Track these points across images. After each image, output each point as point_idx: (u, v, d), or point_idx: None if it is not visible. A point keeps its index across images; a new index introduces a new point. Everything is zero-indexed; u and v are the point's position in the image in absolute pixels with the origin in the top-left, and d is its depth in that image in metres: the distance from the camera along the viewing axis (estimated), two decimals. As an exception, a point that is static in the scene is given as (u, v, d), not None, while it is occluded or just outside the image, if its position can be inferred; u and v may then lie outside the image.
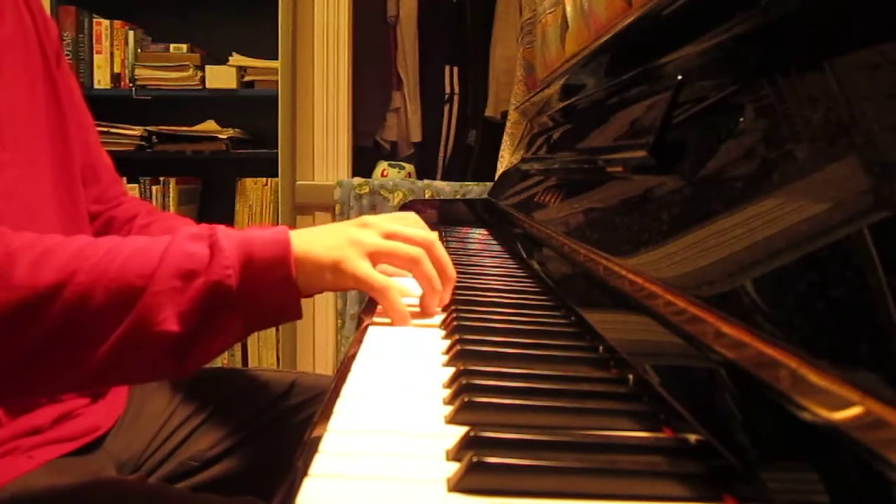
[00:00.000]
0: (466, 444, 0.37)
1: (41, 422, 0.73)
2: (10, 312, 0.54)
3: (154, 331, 0.55)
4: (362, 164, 2.42)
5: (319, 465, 0.36)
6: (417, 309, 0.69)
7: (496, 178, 1.89)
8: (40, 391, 0.65)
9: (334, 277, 0.62)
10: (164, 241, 0.59)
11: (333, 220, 2.27)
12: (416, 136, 2.52)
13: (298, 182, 2.32)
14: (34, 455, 0.71)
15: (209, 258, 0.58)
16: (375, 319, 0.68)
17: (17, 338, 0.54)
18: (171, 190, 2.51)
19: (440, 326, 0.66)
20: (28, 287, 0.54)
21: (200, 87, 2.46)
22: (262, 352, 2.51)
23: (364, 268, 0.63)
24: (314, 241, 0.62)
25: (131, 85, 2.47)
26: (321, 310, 2.35)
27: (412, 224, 0.91)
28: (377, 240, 0.65)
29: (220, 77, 2.45)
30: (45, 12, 0.85)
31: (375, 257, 0.64)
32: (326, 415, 0.43)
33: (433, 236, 0.70)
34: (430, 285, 0.67)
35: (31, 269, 0.55)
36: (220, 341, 0.59)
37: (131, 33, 2.49)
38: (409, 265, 0.66)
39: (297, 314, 0.62)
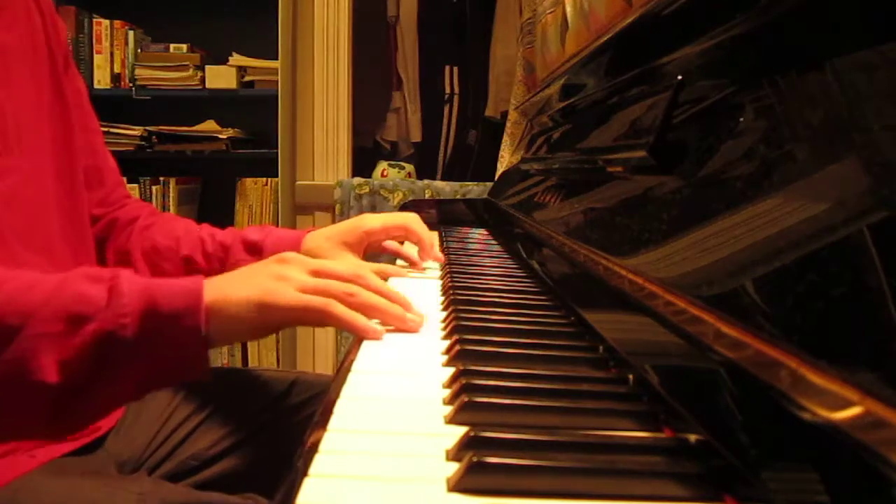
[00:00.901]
0: (466, 444, 0.37)
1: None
2: None
3: (29, 379, 0.48)
4: (362, 164, 2.42)
5: (319, 465, 0.36)
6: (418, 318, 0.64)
7: (496, 178, 1.89)
8: None
9: (260, 316, 0.55)
10: (56, 279, 0.53)
11: (333, 220, 2.27)
12: (416, 136, 2.52)
13: (298, 182, 2.32)
14: (36, 454, 0.71)
15: (105, 302, 0.51)
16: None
17: None
18: (171, 190, 2.51)
19: (441, 328, 0.66)
20: None
21: (200, 87, 2.46)
22: (262, 352, 2.51)
23: (294, 295, 0.56)
24: (231, 283, 0.56)
25: (131, 85, 2.47)
26: (321, 310, 2.34)
27: (409, 221, 0.92)
28: (304, 276, 0.58)
29: (220, 77, 2.45)
30: (55, 14, 0.85)
31: (303, 312, 0.57)
32: (326, 415, 0.43)
33: (361, 269, 0.63)
34: (381, 313, 0.60)
35: None
36: (105, 400, 0.53)
37: (131, 33, 2.49)
38: (348, 317, 0.58)
39: (204, 373, 0.55)
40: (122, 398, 0.53)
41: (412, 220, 0.95)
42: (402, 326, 0.61)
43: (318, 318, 0.57)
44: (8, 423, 0.53)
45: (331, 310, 0.57)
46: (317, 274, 0.59)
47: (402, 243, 0.98)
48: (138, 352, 0.51)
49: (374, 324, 0.60)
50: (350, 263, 0.66)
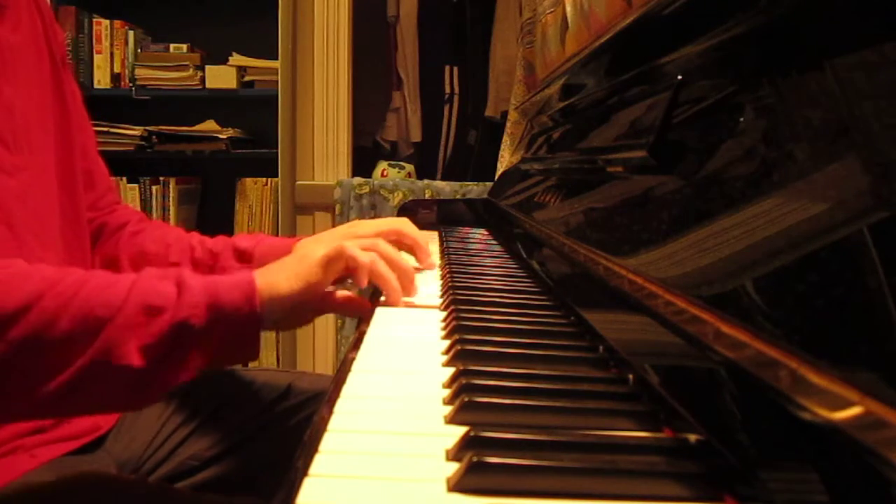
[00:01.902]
0: (466, 444, 0.37)
1: (43, 421, 0.73)
2: None
3: (116, 363, 0.55)
4: (362, 164, 2.42)
5: (319, 465, 0.36)
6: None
7: (496, 178, 1.88)
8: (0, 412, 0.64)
9: (301, 299, 0.64)
10: (131, 277, 0.60)
11: (333, 220, 2.27)
12: (416, 136, 2.52)
13: (298, 182, 2.32)
14: (36, 454, 0.71)
15: (176, 296, 0.59)
16: (378, 311, 0.68)
17: None
18: (171, 190, 2.51)
19: (441, 328, 0.66)
20: None
21: (200, 87, 2.46)
22: (262, 352, 2.51)
23: (320, 252, 0.66)
24: (277, 273, 0.65)
25: (131, 85, 2.47)
26: (321, 309, 2.34)
27: (402, 225, 0.93)
28: (327, 247, 0.68)
29: (220, 77, 2.45)
30: (54, 18, 0.85)
31: (330, 262, 0.67)
32: (326, 415, 0.43)
33: (378, 240, 0.74)
34: (384, 283, 0.70)
35: (0, 289, 0.55)
36: (178, 377, 0.59)
37: (131, 33, 2.49)
38: (361, 256, 0.68)
39: (255, 354, 0.63)
40: (189, 375, 0.60)
41: (404, 224, 0.95)
42: (396, 300, 0.72)
43: (339, 260, 0.67)
44: (95, 398, 0.59)
45: (345, 249, 0.67)
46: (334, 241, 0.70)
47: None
48: (205, 337, 0.59)
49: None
50: (371, 228, 0.77)
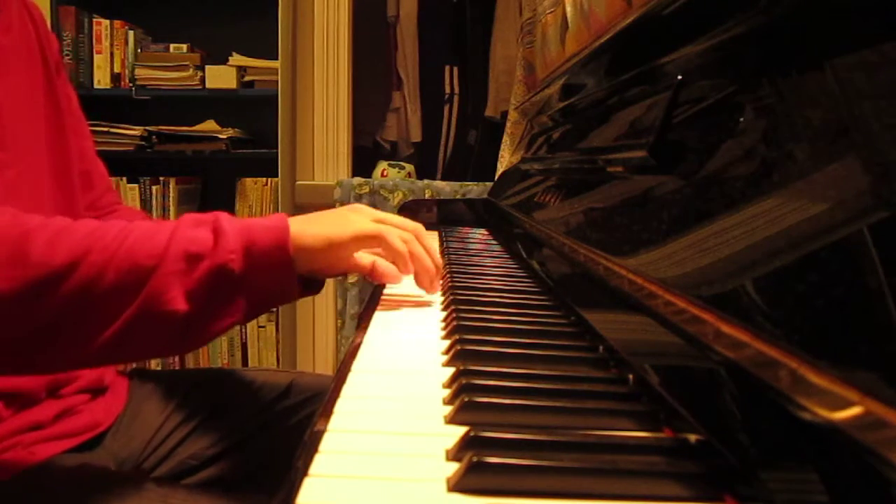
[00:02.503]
0: (466, 444, 0.37)
1: (42, 418, 0.73)
2: (27, 288, 0.55)
3: (163, 309, 0.58)
4: (362, 164, 2.42)
5: (319, 464, 0.36)
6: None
7: (496, 178, 1.88)
8: (49, 366, 0.66)
9: (330, 248, 0.66)
10: (170, 225, 0.61)
11: (333, 219, 2.27)
12: (416, 136, 2.52)
13: (298, 182, 2.32)
14: (35, 451, 0.71)
15: (213, 242, 0.60)
16: (379, 311, 0.68)
17: (32, 313, 0.56)
18: (171, 190, 2.51)
19: (441, 328, 0.66)
20: (44, 264, 0.56)
21: (200, 87, 2.46)
22: (262, 352, 2.51)
23: (355, 227, 0.67)
24: (309, 222, 0.66)
25: (131, 85, 2.47)
26: (321, 310, 2.34)
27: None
28: (368, 221, 0.70)
29: (220, 77, 2.45)
30: (48, 27, 0.87)
31: (364, 240, 0.69)
32: (326, 414, 0.43)
33: (420, 226, 0.75)
34: (422, 266, 0.73)
35: (48, 247, 0.56)
36: (223, 321, 0.61)
37: (131, 33, 2.48)
38: (399, 247, 0.70)
39: (294, 295, 0.65)
40: (233, 319, 0.62)
41: (422, 230, 0.96)
42: (428, 287, 0.75)
43: (375, 242, 0.69)
44: (145, 344, 0.61)
45: (385, 236, 0.69)
46: (379, 221, 0.71)
47: None
48: (244, 280, 0.61)
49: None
50: (409, 221, 0.76)
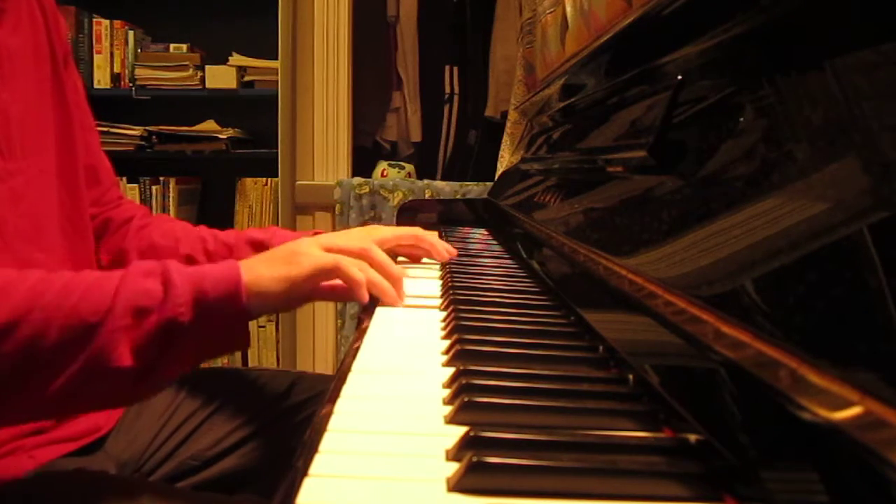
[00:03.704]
0: (466, 443, 0.37)
1: (43, 422, 0.73)
2: None
3: (109, 366, 0.56)
4: (362, 164, 2.42)
5: (319, 465, 0.36)
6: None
7: (496, 178, 1.88)
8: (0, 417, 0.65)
9: (288, 288, 0.64)
10: (116, 277, 0.60)
11: (333, 220, 2.27)
12: (416, 136, 2.52)
13: (298, 182, 2.32)
14: (36, 455, 0.71)
15: (163, 295, 0.59)
16: (379, 311, 0.68)
17: None
18: (171, 190, 2.51)
19: (441, 328, 0.66)
20: None
21: (200, 87, 2.46)
22: (262, 352, 2.51)
23: (309, 263, 0.66)
24: (260, 265, 0.65)
25: (131, 85, 2.47)
26: (321, 310, 2.34)
27: (419, 232, 0.94)
28: (318, 251, 0.68)
29: (220, 77, 2.45)
30: (57, 11, 0.85)
31: (320, 274, 0.67)
32: (326, 414, 0.43)
33: (367, 243, 0.74)
34: (380, 290, 0.71)
35: None
36: (171, 371, 0.61)
37: (131, 33, 2.49)
38: (357, 276, 0.68)
39: (246, 343, 0.64)
40: (182, 369, 0.61)
41: (421, 231, 0.96)
42: (392, 302, 0.72)
43: (332, 275, 0.67)
44: (93, 399, 0.61)
45: (341, 265, 0.67)
46: (328, 250, 0.70)
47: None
48: (194, 332, 0.59)
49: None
50: (357, 238, 0.75)
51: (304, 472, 0.35)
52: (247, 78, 2.47)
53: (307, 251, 0.68)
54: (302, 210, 2.35)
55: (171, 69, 2.46)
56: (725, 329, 0.37)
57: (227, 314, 0.61)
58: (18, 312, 0.55)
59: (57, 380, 0.56)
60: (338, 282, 0.68)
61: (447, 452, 0.38)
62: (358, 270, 0.68)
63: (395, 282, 0.73)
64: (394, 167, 2.40)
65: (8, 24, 0.75)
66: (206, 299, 0.60)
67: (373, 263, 0.71)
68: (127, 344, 0.57)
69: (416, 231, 0.95)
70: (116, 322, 0.57)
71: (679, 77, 0.62)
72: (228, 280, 0.61)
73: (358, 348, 0.57)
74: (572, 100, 1.12)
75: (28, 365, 0.56)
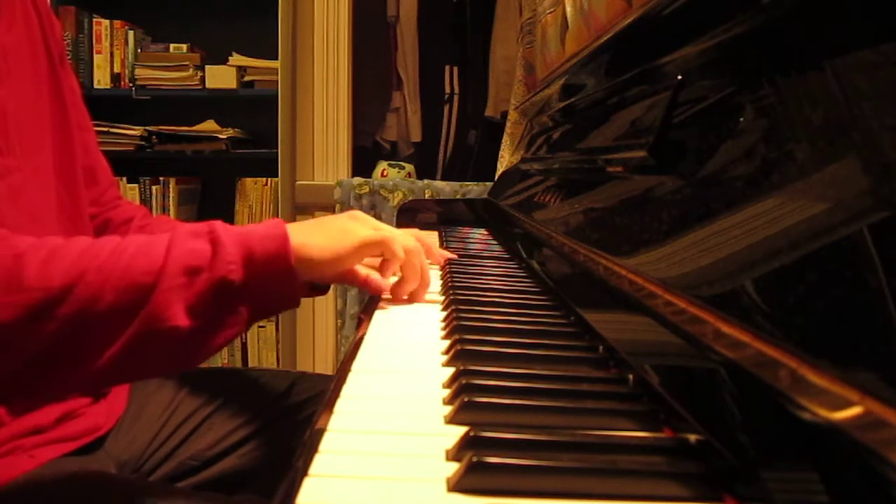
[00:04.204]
0: (466, 443, 0.37)
1: (43, 421, 0.73)
2: (24, 314, 0.54)
3: (165, 326, 0.56)
4: (362, 164, 2.42)
5: (319, 464, 0.36)
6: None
7: (496, 178, 1.88)
8: (49, 392, 0.65)
9: (332, 259, 0.66)
10: (165, 239, 0.60)
11: (333, 220, 2.27)
12: (416, 136, 2.52)
13: (298, 182, 2.32)
14: (35, 454, 0.71)
15: (212, 254, 0.59)
16: (378, 311, 0.68)
17: (28, 339, 0.54)
18: (170, 190, 2.51)
19: (441, 328, 0.66)
20: (39, 289, 0.54)
21: (200, 87, 2.46)
22: (262, 352, 2.51)
23: (357, 238, 0.68)
24: (310, 231, 0.66)
25: (131, 85, 2.47)
26: (321, 310, 2.34)
27: (420, 234, 0.95)
28: (370, 231, 0.70)
29: (220, 77, 2.45)
30: (51, 12, 0.85)
31: (368, 247, 0.69)
32: (326, 414, 0.43)
33: (413, 241, 0.75)
34: (412, 272, 0.74)
35: (41, 270, 0.55)
36: (225, 333, 0.60)
37: (131, 33, 2.49)
38: (399, 253, 0.72)
39: (297, 302, 0.64)
40: (236, 330, 0.61)
41: (421, 234, 0.96)
42: (412, 298, 0.76)
43: (378, 249, 0.70)
44: (147, 363, 0.60)
45: (389, 242, 0.70)
46: (378, 230, 0.72)
47: None
48: (245, 290, 0.60)
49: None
50: (408, 235, 0.76)
51: (304, 472, 0.35)
52: (247, 78, 2.47)
53: (357, 226, 0.70)
54: (302, 210, 2.35)
55: (171, 69, 2.46)
56: (725, 329, 0.37)
57: (276, 272, 0.61)
58: (73, 275, 0.55)
59: (115, 343, 0.55)
60: (370, 272, 0.72)
61: (447, 452, 0.38)
62: (402, 250, 0.71)
63: (424, 281, 0.76)
64: (394, 167, 2.40)
65: (3, 22, 0.75)
66: (254, 256, 0.60)
67: (427, 253, 0.76)
68: (181, 303, 0.57)
69: (419, 234, 0.96)
70: (170, 281, 0.57)
71: (679, 77, 0.62)
72: (275, 238, 0.61)
73: (358, 348, 0.57)
74: (572, 100, 1.12)
75: (86, 328, 0.55)
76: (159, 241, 0.60)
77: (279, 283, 0.62)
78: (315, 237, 0.65)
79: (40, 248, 0.57)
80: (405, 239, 0.73)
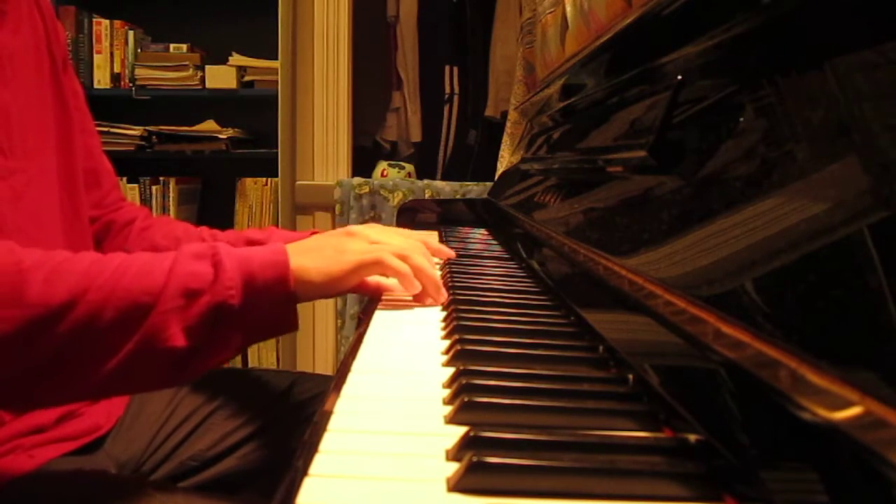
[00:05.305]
0: (466, 443, 0.37)
1: (43, 421, 0.73)
2: (23, 328, 0.54)
3: (161, 346, 0.57)
4: (362, 164, 2.42)
5: (319, 464, 0.36)
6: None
7: (496, 178, 1.88)
8: (46, 402, 0.67)
9: (330, 281, 0.66)
10: (168, 259, 0.61)
11: (333, 220, 2.27)
12: (416, 136, 2.52)
13: (298, 182, 2.32)
14: (35, 454, 0.71)
15: (213, 278, 0.60)
16: (378, 311, 0.68)
17: (29, 353, 0.55)
18: (170, 190, 2.51)
19: (441, 328, 0.66)
20: (41, 305, 0.55)
21: (200, 87, 2.46)
22: (262, 352, 2.51)
23: (354, 258, 0.68)
24: (308, 253, 0.66)
25: (131, 85, 2.47)
26: (321, 310, 2.34)
27: (424, 237, 0.95)
28: (366, 249, 0.70)
29: (220, 77, 2.45)
30: (55, 17, 0.85)
31: (364, 268, 0.69)
32: (326, 415, 0.43)
33: (413, 245, 0.75)
34: (426, 276, 0.73)
35: (45, 285, 0.56)
36: (221, 354, 0.61)
37: (131, 33, 2.48)
38: (400, 267, 0.70)
39: (295, 326, 0.65)
40: (232, 352, 0.62)
41: (426, 236, 0.97)
42: (436, 298, 0.74)
43: (375, 269, 0.70)
44: (142, 378, 0.61)
45: (384, 260, 0.69)
46: (377, 242, 0.72)
47: None
48: (243, 315, 0.61)
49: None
50: (403, 240, 0.76)
51: (304, 472, 0.35)
52: (247, 78, 2.47)
53: (354, 245, 0.70)
54: (302, 210, 2.35)
55: (171, 69, 2.46)
56: (725, 329, 0.37)
57: (275, 298, 0.62)
58: (75, 292, 0.56)
59: (111, 359, 0.57)
60: (379, 279, 0.72)
61: (447, 452, 0.38)
62: (400, 262, 0.70)
63: (433, 283, 0.75)
64: (394, 167, 2.40)
65: (8, 25, 0.75)
66: (255, 282, 0.61)
67: (414, 268, 0.73)
68: (179, 325, 0.58)
69: (422, 236, 0.96)
70: (169, 303, 0.58)
71: (679, 77, 0.62)
72: (276, 265, 0.62)
73: (358, 348, 0.57)
74: (572, 100, 1.12)
75: (84, 343, 0.56)
76: (163, 261, 0.61)
77: (277, 309, 0.63)
78: (312, 260, 0.66)
79: (45, 263, 0.57)
80: (404, 248, 0.73)
